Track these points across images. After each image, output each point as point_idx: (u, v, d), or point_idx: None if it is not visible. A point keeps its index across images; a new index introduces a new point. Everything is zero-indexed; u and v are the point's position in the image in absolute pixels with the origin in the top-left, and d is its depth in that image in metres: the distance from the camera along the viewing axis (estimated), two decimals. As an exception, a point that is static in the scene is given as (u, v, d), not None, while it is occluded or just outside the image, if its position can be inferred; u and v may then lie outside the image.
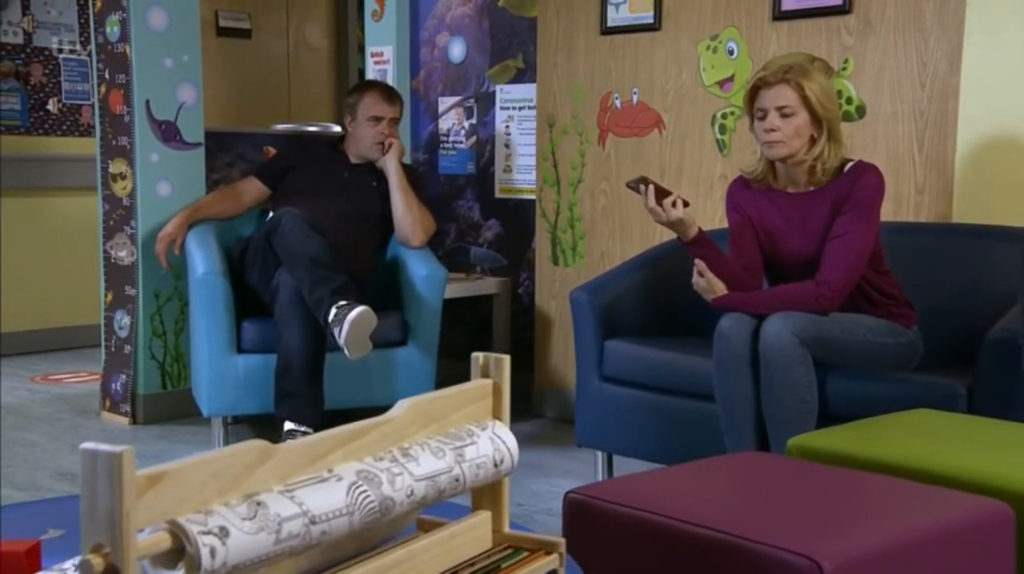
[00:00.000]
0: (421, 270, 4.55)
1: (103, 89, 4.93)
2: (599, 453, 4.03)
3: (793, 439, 2.64)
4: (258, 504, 1.16)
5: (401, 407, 1.42)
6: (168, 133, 4.84)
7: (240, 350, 4.40)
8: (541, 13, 5.05)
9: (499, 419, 1.57)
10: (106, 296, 5.02)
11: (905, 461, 2.41)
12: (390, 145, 4.68)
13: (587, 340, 3.95)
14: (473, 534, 1.54)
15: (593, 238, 4.90)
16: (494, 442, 1.52)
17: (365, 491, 1.29)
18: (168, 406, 4.91)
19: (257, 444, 1.20)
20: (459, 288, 5.29)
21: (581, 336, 3.96)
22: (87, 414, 5.03)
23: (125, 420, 4.85)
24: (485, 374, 1.58)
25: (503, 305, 5.43)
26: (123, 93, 4.80)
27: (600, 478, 3.99)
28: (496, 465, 1.52)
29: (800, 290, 3.41)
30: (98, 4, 4.91)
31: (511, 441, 1.55)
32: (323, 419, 4.32)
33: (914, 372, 3.42)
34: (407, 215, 4.63)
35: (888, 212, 4.03)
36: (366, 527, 1.31)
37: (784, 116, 3.41)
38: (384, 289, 4.74)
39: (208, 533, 1.09)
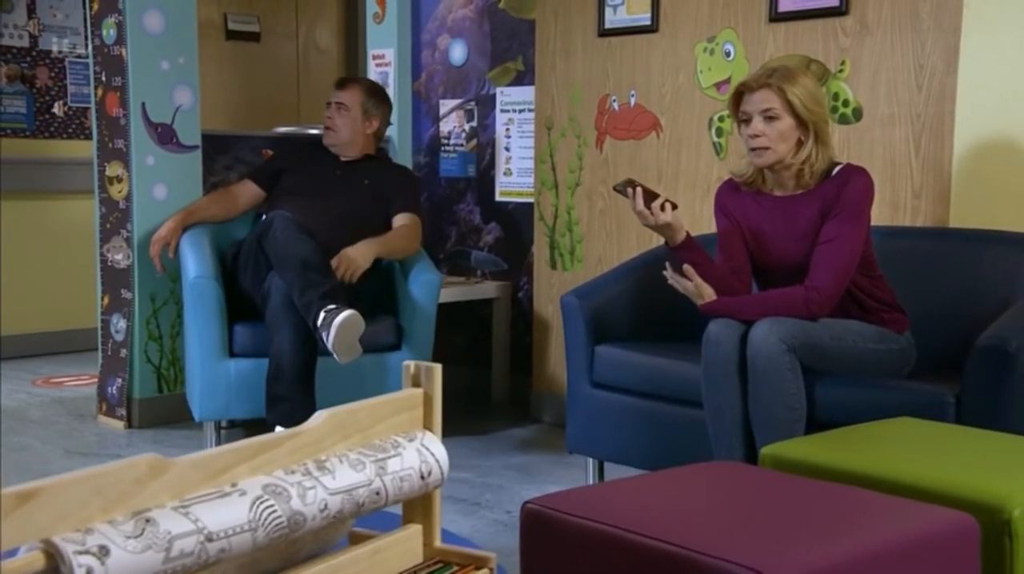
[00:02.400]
0: (416, 274, 4.52)
1: (100, 92, 4.92)
2: (590, 460, 3.99)
3: (767, 448, 2.59)
4: (147, 521, 1.13)
5: (318, 418, 1.38)
6: (164, 136, 4.82)
7: (232, 354, 4.37)
8: (539, 15, 5.01)
9: (430, 430, 1.53)
10: (103, 300, 5.00)
11: (877, 472, 2.36)
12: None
13: (577, 345, 3.90)
14: (402, 548, 1.50)
15: (591, 242, 4.86)
16: (421, 454, 1.48)
17: (271, 506, 1.26)
18: (164, 410, 4.88)
19: (148, 458, 1.16)
20: (459, 292, 5.26)
21: (572, 341, 3.91)
22: (83, 418, 5.02)
23: (120, 424, 4.83)
24: (416, 383, 1.54)
25: (503, 309, 5.39)
26: (119, 96, 4.78)
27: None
28: (423, 477, 1.48)
29: (789, 295, 3.35)
30: (95, 6, 4.89)
31: (440, 452, 1.51)
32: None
33: (906, 379, 3.36)
34: (398, 250, 4.61)
35: (885, 216, 3.98)
36: (274, 542, 1.27)
37: (768, 120, 3.36)
38: (379, 293, 4.71)
39: (85, 552, 1.06)
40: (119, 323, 4.88)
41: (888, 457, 2.47)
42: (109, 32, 4.81)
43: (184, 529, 1.16)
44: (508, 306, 5.40)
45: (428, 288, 4.49)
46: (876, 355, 3.37)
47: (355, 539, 1.55)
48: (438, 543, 1.56)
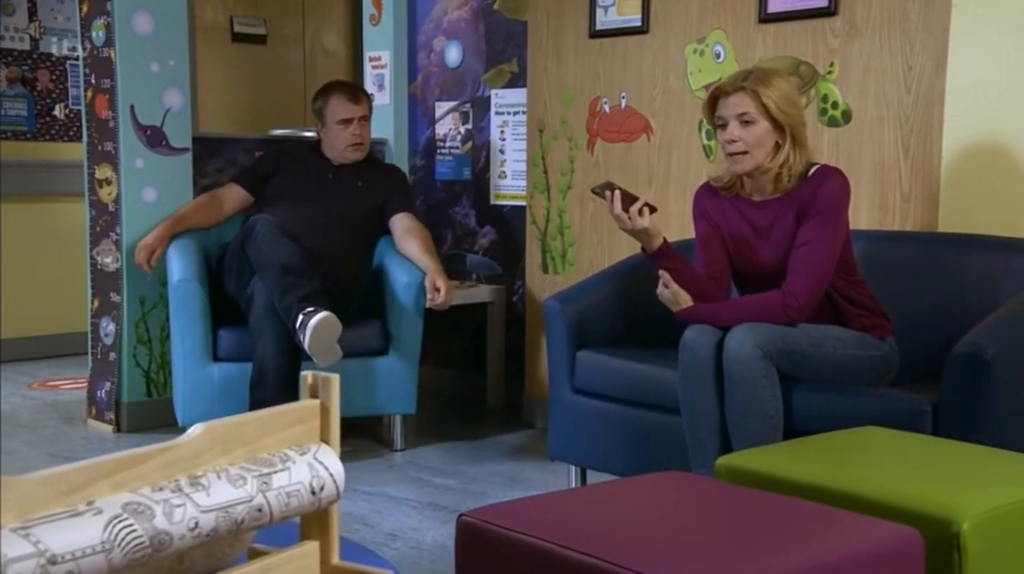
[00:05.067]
0: (403, 277, 4.47)
1: (89, 94, 4.89)
2: (572, 467, 3.93)
3: (722, 458, 2.53)
4: (-21, 543, 1.08)
5: (194, 431, 1.34)
6: (154, 138, 4.79)
7: (216, 358, 4.35)
8: (532, 16, 4.95)
9: (327, 442, 1.49)
10: (92, 303, 4.98)
11: (830, 484, 2.29)
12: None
13: (559, 350, 3.84)
14: (296, 566, 1.45)
15: (582, 245, 4.80)
16: (313, 468, 1.43)
17: (130, 525, 1.21)
18: (153, 414, 4.84)
19: (-14, 476, 1.11)
20: (454, 296, 5.20)
21: (553, 346, 3.86)
22: (74, 422, 5.00)
23: (109, 428, 4.81)
24: (314, 394, 1.49)
25: (498, 313, 5.34)
26: (108, 98, 4.76)
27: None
28: (314, 493, 1.43)
29: (766, 301, 3.29)
30: (84, 8, 4.87)
31: (335, 466, 1.46)
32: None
33: (887, 387, 3.30)
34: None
35: (874, 220, 3.91)
36: (134, 563, 1.22)
37: (744, 124, 3.29)
38: (367, 297, 4.67)
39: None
40: (108, 327, 4.86)
41: (844, 469, 2.40)
42: (98, 34, 4.79)
43: (22, 552, 1.11)
44: (503, 310, 5.34)
45: (415, 291, 4.44)
46: (857, 361, 3.30)
47: (253, 555, 1.51)
48: (336, 560, 1.51)
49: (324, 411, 1.49)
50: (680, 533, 1.98)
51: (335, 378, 1.50)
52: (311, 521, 1.51)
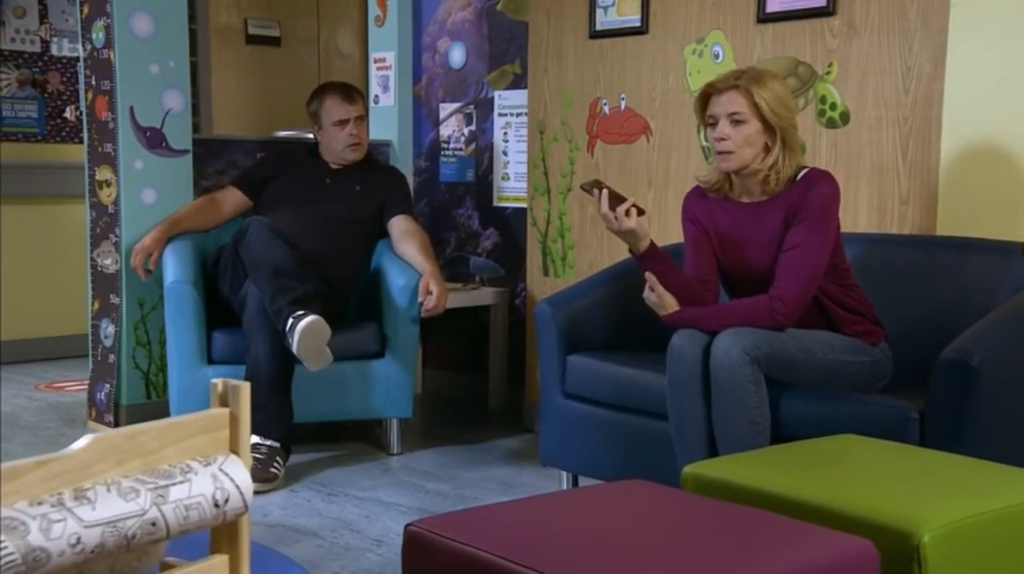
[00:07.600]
0: (399, 280, 4.43)
1: (90, 95, 4.87)
2: (564, 473, 3.88)
3: (688, 467, 2.47)
4: None
5: (82, 442, 1.30)
6: (153, 140, 4.76)
7: (211, 361, 4.32)
8: (532, 17, 4.90)
9: (236, 453, 1.44)
10: (93, 304, 4.96)
11: (794, 494, 2.23)
12: None
13: (550, 355, 3.80)
14: (203, 580, 1.41)
15: (582, 248, 4.74)
16: (217, 479, 1.39)
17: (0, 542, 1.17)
18: (152, 416, 4.67)
19: None
20: (456, 298, 5.16)
21: (544, 350, 3.82)
22: (74, 424, 4.99)
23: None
24: (223, 402, 1.45)
25: (500, 316, 5.29)
26: (108, 99, 4.74)
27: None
28: (218, 505, 1.38)
29: (753, 305, 3.23)
30: (85, 10, 4.85)
31: (241, 477, 1.42)
32: (295, 433, 4.22)
33: (880, 393, 3.23)
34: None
35: (872, 223, 3.84)
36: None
37: (735, 123, 3.23)
38: (364, 299, 4.63)
39: None
40: (108, 328, 4.84)
41: (811, 478, 2.34)
42: (98, 35, 4.77)
43: None
44: (506, 313, 5.30)
45: (411, 294, 4.39)
46: (847, 367, 3.24)
47: (165, 569, 1.46)
48: (246, 574, 1.47)
49: (234, 420, 1.45)
50: (629, 545, 1.92)
51: (245, 386, 1.46)
52: (220, 534, 1.47)
